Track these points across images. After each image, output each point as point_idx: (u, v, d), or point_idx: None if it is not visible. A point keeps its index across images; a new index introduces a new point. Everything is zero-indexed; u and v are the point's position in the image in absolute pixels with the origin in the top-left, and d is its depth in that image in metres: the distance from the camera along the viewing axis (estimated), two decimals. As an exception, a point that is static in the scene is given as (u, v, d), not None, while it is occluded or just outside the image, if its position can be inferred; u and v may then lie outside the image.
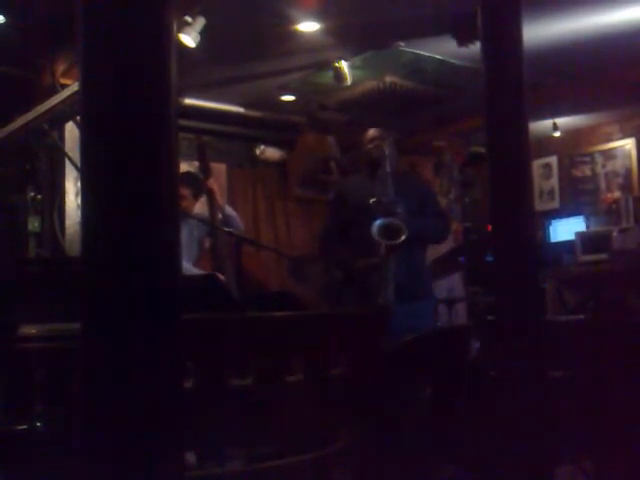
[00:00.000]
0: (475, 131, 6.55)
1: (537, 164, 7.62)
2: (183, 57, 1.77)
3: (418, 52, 5.36)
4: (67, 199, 5.26)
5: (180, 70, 1.13)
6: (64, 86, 4.05)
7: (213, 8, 4.41)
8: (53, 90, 4.14)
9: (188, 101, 5.99)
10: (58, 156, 4.97)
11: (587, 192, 7.46)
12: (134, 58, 1.09)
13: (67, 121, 2.92)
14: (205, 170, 4.35)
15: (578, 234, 6.90)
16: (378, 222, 3.72)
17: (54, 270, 2.12)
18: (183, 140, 5.32)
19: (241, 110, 6.58)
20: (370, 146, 4.03)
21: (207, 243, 4.43)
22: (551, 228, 7.47)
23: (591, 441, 2.08)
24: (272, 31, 4.90)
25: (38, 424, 1.49)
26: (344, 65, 5.45)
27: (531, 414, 1.88)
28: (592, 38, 5.13)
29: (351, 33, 5.04)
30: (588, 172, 7.48)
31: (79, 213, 1.15)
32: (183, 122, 5.51)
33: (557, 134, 6.96)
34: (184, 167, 4.82)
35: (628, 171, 7.16)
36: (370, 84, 5.98)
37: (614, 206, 7.10)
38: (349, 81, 5.53)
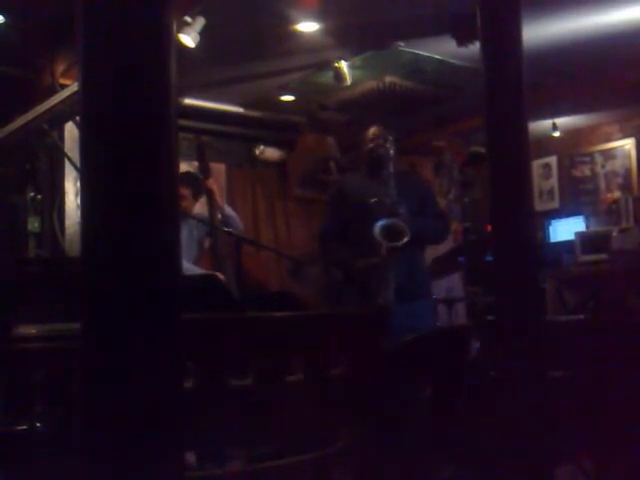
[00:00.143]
0: (475, 131, 6.55)
1: (537, 164, 7.62)
2: (183, 57, 1.77)
3: (418, 52, 5.36)
4: (67, 199, 5.26)
5: (180, 70, 1.13)
6: (64, 86, 4.04)
7: (213, 8, 4.42)
8: (53, 90, 4.14)
9: (188, 101, 5.99)
10: (58, 156, 4.97)
11: (587, 192, 7.46)
12: (134, 58, 1.09)
13: (67, 121, 2.92)
14: (205, 170, 4.35)
15: (578, 234, 6.90)
16: (381, 223, 3.70)
17: (54, 270, 2.12)
18: (183, 140, 5.32)
19: (241, 110, 6.58)
20: (372, 144, 3.99)
21: (207, 243, 4.43)
22: (551, 228, 7.47)
23: (591, 441, 2.08)
24: (272, 31, 4.90)
25: (38, 424, 1.49)
26: (344, 65, 5.45)
27: (531, 414, 1.88)
28: (592, 38, 5.14)
29: (351, 33, 5.05)
30: (588, 172, 7.48)
31: (79, 213, 1.15)
32: (183, 122, 5.51)
33: (557, 134, 6.96)
34: (184, 167, 4.81)
35: (628, 171, 7.16)
36: (370, 84, 5.98)
37: (614, 206, 7.10)
38: (349, 81, 5.53)
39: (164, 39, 1.11)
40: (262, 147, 7.05)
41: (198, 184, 4.41)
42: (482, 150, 2.14)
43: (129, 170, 1.08)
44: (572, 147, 7.53)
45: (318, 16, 4.76)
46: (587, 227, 7.20)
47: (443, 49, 5.23)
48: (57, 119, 2.53)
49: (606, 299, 5.48)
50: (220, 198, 4.40)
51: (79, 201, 1.18)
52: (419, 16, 4.79)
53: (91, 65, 1.11)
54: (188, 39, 4.42)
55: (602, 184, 7.35)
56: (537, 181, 7.59)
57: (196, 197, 4.49)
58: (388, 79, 5.90)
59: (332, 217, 4.14)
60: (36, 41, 4.69)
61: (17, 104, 2.93)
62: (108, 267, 1.07)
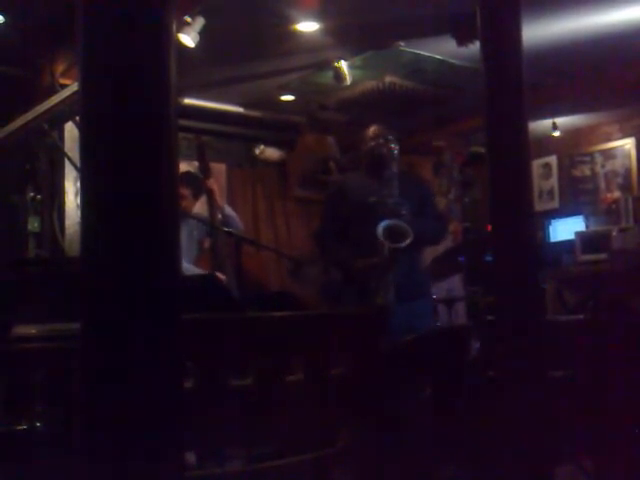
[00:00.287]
0: (475, 131, 6.55)
1: (537, 164, 7.62)
2: (183, 57, 1.77)
3: (418, 52, 5.37)
4: (67, 199, 5.26)
5: (180, 70, 1.13)
6: (64, 86, 4.04)
7: (213, 8, 4.42)
8: (53, 90, 4.14)
9: (188, 101, 5.99)
10: (58, 156, 4.97)
11: (587, 192, 7.46)
12: (134, 58, 1.09)
13: (67, 121, 2.92)
14: (205, 170, 4.35)
15: (578, 234, 6.91)
16: (384, 223, 3.68)
17: (54, 270, 2.12)
18: (183, 140, 5.32)
19: (241, 110, 6.58)
20: (372, 143, 3.96)
21: (207, 243, 4.43)
22: (551, 228, 7.47)
23: (591, 441, 2.08)
24: (272, 31, 4.90)
25: (38, 424, 1.49)
26: (344, 65, 5.45)
27: (531, 414, 1.88)
28: (592, 38, 5.14)
29: (351, 33, 5.05)
30: (588, 172, 7.48)
31: (79, 213, 1.15)
32: (183, 122, 5.51)
33: (557, 134, 6.97)
34: (184, 167, 4.81)
35: (628, 171, 7.16)
36: (370, 84, 5.98)
37: (614, 206, 7.10)
38: (349, 81, 5.53)
39: (164, 39, 1.11)
40: (262, 147, 7.05)
41: (198, 184, 4.41)
42: (482, 150, 2.14)
43: (129, 170, 1.08)
44: (572, 147, 7.53)
45: (318, 16, 4.76)
46: (587, 227, 7.20)
47: (443, 49, 5.23)
48: (57, 119, 2.53)
49: (606, 299, 5.48)
50: (220, 198, 4.39)
51: (79, 201, 1.18)
52: (419, 16, 4.79)
53: (91, 65, 1.11)
54: (188, 39, 4.42)
55: (602, 184, 7.35)
56: (537, 181, 7.59)
57: (196, 197, 4.49)
58: (388, 79, 5.90)
59: (331, 216, 4.07)
60: (36, 41, 4.69)
61: (17, 104, 2.93)
62: (108, 267, 1.07)
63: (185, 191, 4.34)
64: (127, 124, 1.08)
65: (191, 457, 1.85)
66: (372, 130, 4.00)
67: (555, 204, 7.66)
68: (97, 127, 1.09)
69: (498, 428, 1.92)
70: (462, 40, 4.78)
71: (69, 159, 3.11)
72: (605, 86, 5.99)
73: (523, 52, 2.06)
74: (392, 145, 3.85)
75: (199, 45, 4.48)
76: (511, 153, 2.04)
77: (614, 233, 6.44)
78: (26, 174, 4.94)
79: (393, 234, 3.68)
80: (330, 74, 5.56)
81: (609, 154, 7.31)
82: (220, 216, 4.29)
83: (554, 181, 7.71)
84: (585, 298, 6.03)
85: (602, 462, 2.11)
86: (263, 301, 3.18)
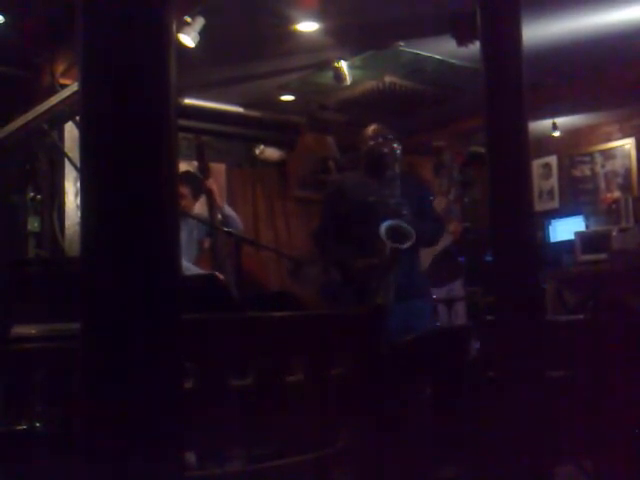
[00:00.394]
0: (475, 131, 6.55)
1: (537, 164, 7.62)
2: (183, 57, 1.77)
3: (418, 52, 5.37)
4: (67, 199, 5.26)
5: (180, 70, 1.13)
6: (64, 86, 4.04)
7: (213, 8, 4.42)
8: (53, 90, 4.14)
9: (188, 101, 5.99)
10: (58, 156, 4.97)
11: (587, 192, 7.46)
12: (134, 58, 1.09)
13: (67, 121, 2.92)
14: (204, 170, 4.35)
15: (578, 234, 6.91)
16: (386, 223, 3.67)
17: (54, 270, 2.12)
18: (182, 140, 5.32)
19: (241, 110, 6.58)
20: (372, 143, 3.95)
21: (207, 243, 4.43)
22: (551, 228, 7.48)
23: (591, 441, 2.08)
24: (272, 31, 4.90)
25: (38, 424, 1.49)
26: (344, 65, 5.45)
27: (531, 414, 1.88)
28: (591, 38, 5.14)
29: (350, 33, 5.05)
30: (588, 172, 7.49)
31: (79, 213, 1.15)
32: (183, 122, 5.51)
33: (557, 134, 6.97)
34: (183, 167, 4.81)
35: (627, 171, 7.16)
36: (370, 84, 5.98)
37: (614, 206, 7.10)
38: (349, 81, 5.54)
39: (164, 39, 1.11)
40: (262, 147, 7.05)
41: (198, 183, 4.41)
42: (482, 150, 2.14)
43: (129, 170, 1.08)
44: (572, 147, 7.53)
45: (318, 16, 4.76)
46: (587, 227, 7.20)
47: (443, 49, 5.23)
48: (57, 119, 2.53)
49: (606, 299, 5.48)
50: (220, 198, 4.39)
51: (79, 201, 1.18)
52: (419, 16, 4.79)
53: (91, 65, 1.11)
54: (188, 39, 4.42)
55: (602, 184, 7.35)
56: (537, 181, 7.60)
57: (196, 196, 4.49)
58: (388, 79, 5.90)
59: (330, 216, 4.04)
60: (36, 41, 4.69)
61: (17, 104, 2.93)
62: (108, 267, 1.07)
63: (185, 190, 4.34)
64: (127, 124, 1.08)
65: (191, 457, 1.85)
66: (372, 129, 3.98)
67: (555, 204, 7.66)
68: (97, 127, 1.09)
69: (498, 428, 1.92)
70: (462, 40, 4.78)
71: (69, 159, 3.11)
72: (605, 86, 6.00)
73: (523, 52, 2.06)
74: (395, 145, 3.84)
75: (199, 45, 4.48)
76: (511, 153, 2.04)
77: (614, 233, 6.44)
78: (26, 174, 4.94)
79: (395, 234, 3.67)
80: (330, 74, 5.56)
81: (609, 154, 7.32)
82: (220, 216, 4.29)
83: (554, 181, 7.71)
84: (585, 298, 6.03)
85: (602, 462, 2.11)
86: (263, 301, 3.17)
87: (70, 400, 1.46)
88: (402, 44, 5.21)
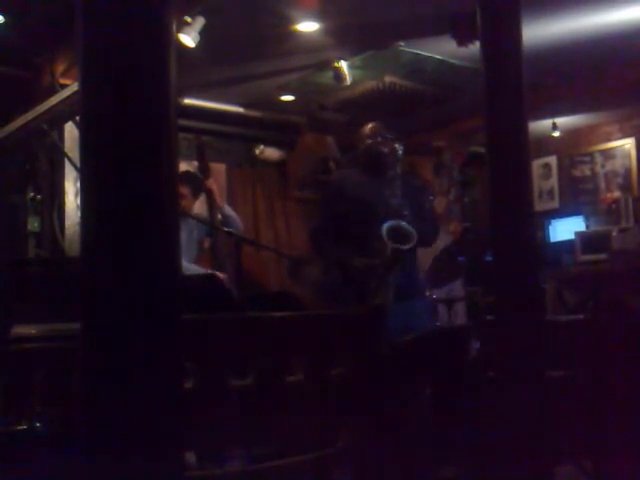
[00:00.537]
0: (475, 131, 6.55)
1: (537, 164, 7.62)
2: (183, 57, 1.77)
3: (418, 52, 5.37)
4: (67, 199, 5.26)
5: (180, 70, 1.13)
6: (64, 86, 4.04)
7: (213, 8, 4.42)
8: (53, 90, 4.14)
9: (188, 101, 5.99)
10: (58, 156, 4.97)
11: (587, 192, 7.46)
12: (134, 58, 1.09)
13: (67, 121, 2.92)
14: (204, 170, 4.35)
15: (578, 234, 6.91)
16: (388, 224, 3.66)
17: (54, 270, 2.12)
18: (183, 140, 5.32)
19: (241, 110, 6.58)
20: (370, 141, 3.94)
21: (207, 243, 4.43)
22: (551, 228, 7.48)
23: (591, 441, 2.08)
24: (272, 31, 4.90)
25: (38, 424, 1.49)
26: (343, 65, 5.45)
27: (531, 414, 1.88)
28: (592, 38, 5.14)
29: (350, 33, 5.05)
30: (588, 172, 7.49)
31: (79, 213, 1.15)
32: (183, 122, 5.51)
33: (557, 134, 6.97)
34: (183, 167, 4.81)
35: (627, 171, 7.16)
36: (370, 84, 5.98)
37: (614, 206, 7.11)
38: (349, 81, 5.53)
39: (164, 39, 1.11)
40: (262, 147, 7.05)
41: (197, 183, 4.41)
42: (482, 150, 2.14)
43: (129, 170, 1.08)
44: (572, 147, 7.53)
45: (318, 16, 4.76)
46: (587, 227, 7.20)
47: (443, 49, 5.23)
48: (57, 119, 2.53)
49: (606, 299, 5.48)
50: (220, 198, 4.40)
51: (79, 201, 1.18)
52: (419, 16, 4.79)
53: (91, 65, 1.11)
54: (188, 39, 4.42)
55: (602, 184, 7.35)
56: (537, 181, 7.59)
57: (195, 196, 4.49)
58: (388, 79, 5.90)
59: (329, 214, 4.00)
60: (36, 41, 4.69)
61: (17, 104, 2.93)
62: (108, 267, 1.07)
63: (184, 190, 4.34)
64: (127, 124, 1.08)
65: (191, 457, 1.85)
66: (369, 128, 3.96)
67: (555, 204, 7.66)
68: (97, 127, 1.09)
69: (498, 428, 1.92)
70: (462, 40, 4.77)
71: (69, 159, 3.11)
72: (605, 86, 6.00)
73: (523, 52, 2.06)
74: (396, 145, 3.83)
75: (199, 45, 4.48)
76: (511, 153, 2.04)
77: (614, 233, 6.44)
78: (26, 174, 4.94)
79: (396, 235, 3.67)
80: (330, 74, 5.56)
81: (609, 154, 7.32)
82: (220, 216, 4.29)
83: (554, 181, 7.71)
84: (585, 298, 6.03)
85: (602, 462, 2.11)
86: (263, 301, 3.17)
87: (70, 400, 1.46)
88: (402, 44, 5.21)
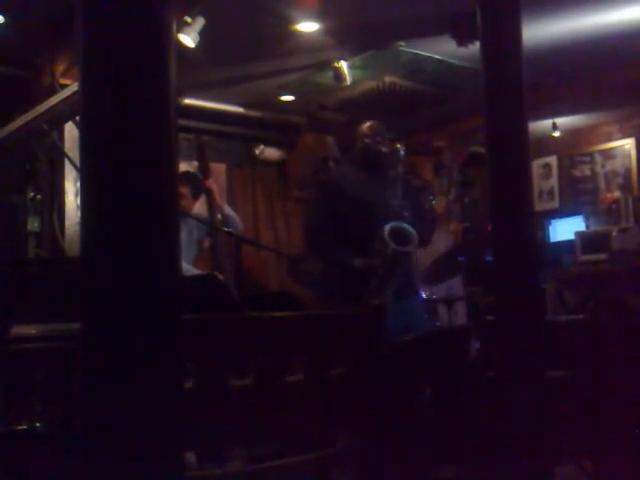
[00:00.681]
0: (475, 131, 6.55)
1: (537, 164, 7.62)
2: (183, 57, 1.77)
3: (417, 52, 5.36)
4: (67, 199, 5.26)
5: (180, 70, 1.13)
6: (64, 86, 4.04)
7: (213, 8, 4.41)
8: (53, 90, 4.14)
9: (188, 101, 5.99)
10: (58, 156, 4.96)
11: (587, 192, 7.46)
12: (134, 58, 1.09)
13: (67, 121, 2.92)
14: (204, 170, 4.35)
15: (578, 234, 6.91)
16: (390, 225, 3.65)
17: (54, 270, 2.12)
18: (183, 140, 5.32)
19: (241, 110, 6.58)
20: (368, 140, 3.93)
21: (206, 243, 4.42)
22: (551, 228, 7.47)
23: (591, 441, 2.08)
24: (272, 31, 4.90)
25: (38, 424, 1.49)
26: (343, 65, 5.45)
27: (531, 414, 1.88)
28: (592, 38, 5.13)
29: (350, 33, 5.05)
30: (588, 172, 7.48)
31: (79, 213, 1.15)
32: (183, 122, 5.50)
33: (557, 134, 6.96)
34: (183, 167, 4.81)
35: (628, 171, 7.16)
36: (370, 84, 5.98)
37: (614, 206, 7.10)
38: (348, 81, 5.53)
39: (164, 39, 1.11)
40: (262, 147, 7.05)
41: (197, 183, 4.41)
42: (482, 150, 2.14)
43: (129, 170, 1.08)
44: (572, 147, 7.53)
45: (318, 16, 4.76)
46: (587, 227, 7.20)
47: (443, 49, 5.23)
48: (57, 119, 2.53)
49: (606, 299, 5.48)
50: (220, 198, 4.39)
51: (79, 201, 1.18)
52: (419, 16, 4.79)
53: (91, 65, 1.11)
54: (187, 39, 4.42)
55: (602, 184, 7.35)
56: (537, 181, 7.59)
57: (195, 196, 4.49)
58: (388, 79, 5.90)
59: (326, 212, 3.94)
60: (36, 41, 4.69)
61: (17, 104, 2.93)
62: (108, 267, 1.07)
63: (184, 190, 4.34)
64: (127, 124, 1.08)
65: (191, 457, 1.85)
66: (367, 126, 3.95)
67: (555, 204, 7.66)
68: (97, 127, 1.09)
69: (498, 428, 1.92)
70: (462, 40, 4.77)
71: (69, 159, 3.11)
72: (605, 86, 5.99)
73: (523, 52, 2.06)
74: (398, 146, 3.82)
75: (199, 45, 4.48)
76: (511, 153, 2.04)
77: (614, 233, 6.44)
78: (26, 174, 4.94)
79: (398, 236, 3.67)
80: (330, 74, 5.56)
81: (609, 154, 7.31)
82: (220, 216, 4.29)
83: (554, 181, 7.71)
84: (585, 298, 6.03)
85: (602, 462, 2.11)
86: (263, 301, 3.17)
87: (70, 400, 1.46)
88: (402, 44, 5.21)
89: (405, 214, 3.73)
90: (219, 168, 6.62)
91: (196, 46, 4.46)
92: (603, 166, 7.36)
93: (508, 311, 2.01)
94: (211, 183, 4.29)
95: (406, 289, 3.81)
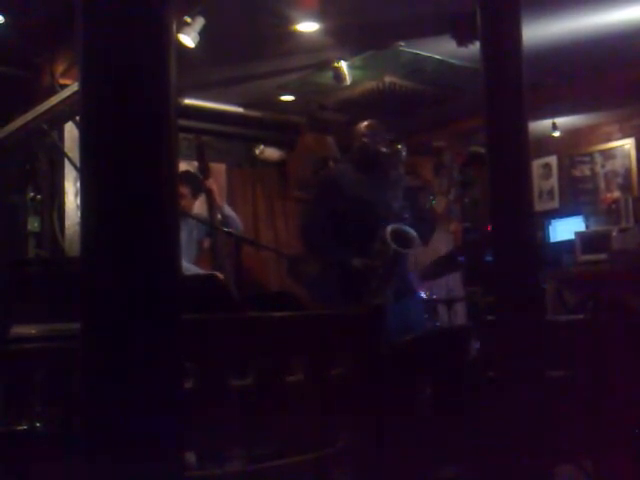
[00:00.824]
0: (475, 131, 6.55)
1: (537, 164, 7.62)
2: (183, 57, 1.77)
3: (417, 52, 5.36)
4: (67, 199, 5.26)
5: (180, 70, 1.13)
6: (64, 86, 4.04)
7: (213, 8, 4.41)
8: (53, 90, 4.14)
9: (188, 101, 5.99)
10: (58, 156, 4.96)
11: (587, 192, 7.46)
12: (134, 58, 1.09)
13: (67, 121, 2.92)
14: (204, 170, 4.35)
15: (578, 234, 6.91)
16: (391, 227, 3.65)
17: (54, 270, 2.12)
18: (183, 140, 5.32)
19: (240, 110, 6.58)
20: (366, 140, 3.90)
21: (206, 243, 4.42)
22: (551, 228, 7.47)
23: (591, 441, 2.08)
24: (272, 31, 4.90)
25: (38, 424, 1.49)
26: (343, 65, 5.45)
27: (531, 414, 1.88)
28: (592, 38, 5.13)
29: (350, 33, 5.04)
30: (588, 172, 7.48)
31: (79, 213, 1.15)
32: (183, 122, 5.50)
33: (557, 134, 6.96)
34: (183, 167, 4.81)
35: (627, 171, 7.16)
36: (370, 84, 5.98)
37: (614, 206, 7.10)
38: (348, 81, 5.53)
39: (164, 39, 1.11)
40: (262, 147, 7.05)
41: (197, 183, 4.41)
42: (482, 150, 2.14)
43: (129, 170, 1.08)
44: (572, 147, 7.53)
45: (318, 16, 4.76)
46: (587, 227, 7.20)
47: (443, 49, 5.23)
48: (57, 119, 2.52)
49: (606, 299, 5.48)
50: (220, 198, 4.39)
51: (79, 201, 1.18)
52: (419, 16, 4.79)
53: (91, 65, 1.11)
54: (187, 39, 4.42)
55: (602, 184, 7.35)
56: (537, 181, 7.59)
57: (195, 196, 4.48)
58: (388, 79, 5.89)
59: (323, 209, 3.89)
60: (36, 41, 4.69)
61: (17, 104, 2.93)
62: (108, 267, 1.07)
63: (184, 190, 4.34)
64: (127, 124, 1.08)
65: (191, 457, 1.85)
66: (365, 125, 3.92)
67: (555, 204, 7.66)
68: (97, 127, 1.09)
69: (498, 428, 1.92)
70: (462, 40, 4.77)
71: (69, 159, 3.11)
72: (605, 86, 5.99)
73: (523, 52, 2.06)
74: (399, 146, 3.81)
75: (199, 45, 4.48)
76: (511, 153, 2.04)
77: (614, 233, 6.44)
78: (26, 174, 4.94)
79: (399, 238, 3.66)
80: (330, 74, 5.56)
81: (609, 154, 7.31)
82: (220, 216, 4.29)
83: (554, 181, 7.71)
84: (585, 298, 6.03)
85: (602, 462, 2.11)
86: (263, 301, 3.17)
87: (70, 400, 1.46)
88: (402, 44, 5.21)
89: (405, 216, 3.72)
90: (219, 168, 6.62)
91: (196, 46, 4.46)
92: (603, 166, 7.36)
93: (508, 311, 2.01)
94: (211, 183, 4.29)
95: (403, 289, 3.82)
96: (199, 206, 4.57)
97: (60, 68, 4.81)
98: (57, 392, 1.53)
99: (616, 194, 7.19)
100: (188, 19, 4.40)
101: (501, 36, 2.09)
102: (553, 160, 7.70)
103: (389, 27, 4.96)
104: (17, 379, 1.55)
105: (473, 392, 1.96)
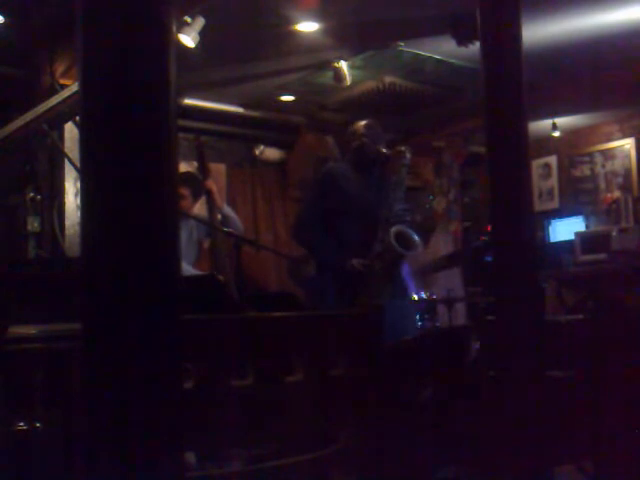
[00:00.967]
0: (475, 131, 6.55)
1: (536, 164, 7.62)
2: (183, 57, 1.77)
3: (417, 52, 5.36)
4: (67, 199, 5.25)
5: (180, 70, 1.13)
6: (64, 86, 4.04)
7: (213, 8, 4.41)
8: (53, 90, 4.14)
9: (188, 101, 5.99)
10: (58, 156, 4.96)
11: (586, 192, 7.46)
12: (134, 58, 1.09)
13: (67, 121, 2.91)
14: (204, 171, 4.35)
15: (578, 234, 6.91)
16: (395, 228, 3.65)
17: (54, 270, 2.12)
18: (182, 140, 5.32)
19: (240, 110, 6.58)
20: (365, 139, 3.89)
21: (206, 244, 4.42)
22: (551, 228, 7.47)
23: (591, 441, 2.08)
24: (272, 31, 4.89)
25: (38, 424, 1.49)
26: (343, 65, 5.44)
27: (531, 414, 1.88)
28: (592, 38, 5.13)
29: (350, 33, 5.04)
30: (587, 172, 7.48)
31: (79, 213, 1.15)
32: (183, 122, 5.51)
33: (556, 134, 6.96)
34: (183, 167, 4.81)
35: (627, 171, 7.15)
36: (369, 84, 5.98)
37: (614, 206, 7.10)
38: (348, 81, 5.53)
39: (164, 39, 1.11)
40: (262, 147, 7.05)
41: (198, 184, 4.40)
42: (482, 150, 2.14)
43: (129, 170, 1.08)
44: (572, 147, 7.52)
45: (318, 16, 4.76)
46: (587, 227, 7.20)
47: (443, 49, 5.23)
48: (57, 119, 2.52)
49: (606, 299, 5.48)
50: (220, 198, 4.39)
51: (79, 201, 1.18)
52: (419, 16, 4.79)
53: (91, 65, 1.11)
54: (187, 39, 4.42)
55: (602, 184, 7.35)
56: (537, 181, 7.59)
57: (196, 197, 4.48)
58: (388, 79, 5.89)
59: (321, 207, 3.89)
60: (36, 41, 4.69)
61: (17, 104, 2.93)
62: (108, 267, 1.07)
63: (185, 191, 4.34)
64: (127, 124, 1.08)
65: (191, 457, 1.85)
66: (363, 125, 3.92)
67: (555, 204, 7.66)
68: (97, 127, 1.09)
69: (498, 428, 1.92)
70: (462, 40, 4.77)
71: (69, 159, 3.11)
72: (605, 86, 5.99)
73: (523, 52, 2.06)
74: (403, 148, 3.82)
75: (199, 45, 4.48)
76: (511, 153, 2.04)
77: (614, 233, 6.44)
78: (26, 174, 4.94)
79: (400, 240, 3.67)
80: (330, 74, 5.56)
81: (609, 154, 7.31)
82: (220, 216, 4.29)
83: (554, 181, 7.71)
84: (585, 298, 6.03)
85: (602, 462, 2.11)
86: (263, 301, 3.17)
87: (70, 400, 1.46)
88: (402, 44, 5.21)
89: (407, 218, 3.73)
90: (219, 168, 6.62)
91: (196, 46, 4.46)
92: (603, 166, 7.36)
93: (508, 311, 2.01)
94: (211, 183, 4.29)
95: (399, 289, 3.82)
96: (199, 207, 4.57)
97: (60, 68, 4.80)
98: (57, 392, 1.53)
99: (616, 194, 7.19)
100: (188, 19, 4.40)
101: (501, 36, 2.09)
102: (553, 160, 7.70)
103: (389, 27, 4.96)
104: (17, 379, 1.55)
105: (473, 392, 1.96)
